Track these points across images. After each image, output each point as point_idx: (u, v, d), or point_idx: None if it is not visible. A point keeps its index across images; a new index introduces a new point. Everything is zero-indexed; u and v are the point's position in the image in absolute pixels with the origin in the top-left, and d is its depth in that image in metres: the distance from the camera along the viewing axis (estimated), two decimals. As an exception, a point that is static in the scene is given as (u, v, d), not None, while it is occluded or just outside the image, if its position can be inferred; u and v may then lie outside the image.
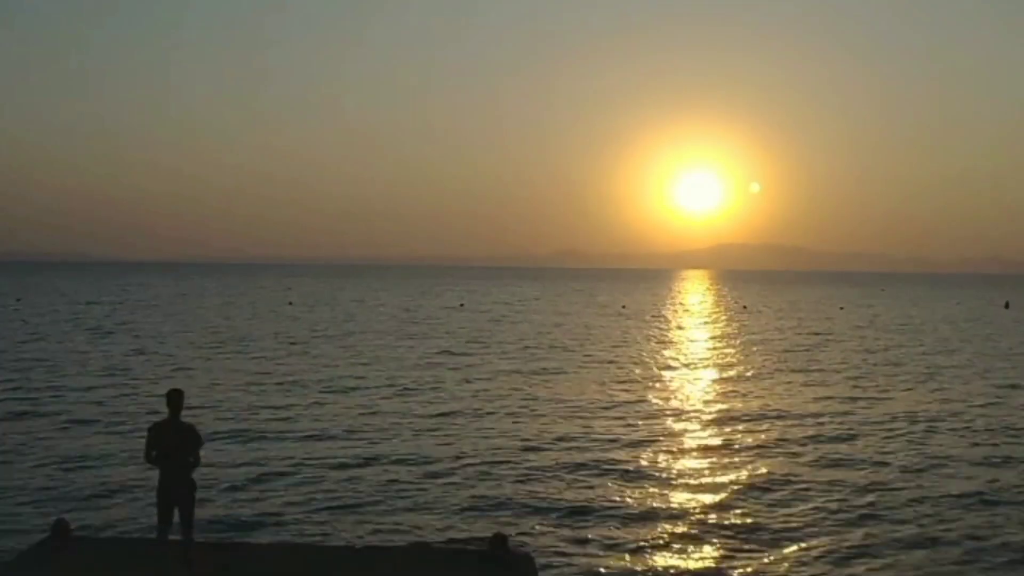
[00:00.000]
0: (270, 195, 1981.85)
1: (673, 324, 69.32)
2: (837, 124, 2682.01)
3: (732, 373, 36.78)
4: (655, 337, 55.74)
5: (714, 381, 34.53)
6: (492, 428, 23.60)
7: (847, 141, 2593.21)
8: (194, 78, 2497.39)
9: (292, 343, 46.92)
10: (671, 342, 52.36)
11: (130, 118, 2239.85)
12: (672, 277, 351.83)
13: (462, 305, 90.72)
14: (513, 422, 24.57)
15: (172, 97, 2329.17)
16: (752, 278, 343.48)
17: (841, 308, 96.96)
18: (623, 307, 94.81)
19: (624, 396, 29.79)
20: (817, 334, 58.05)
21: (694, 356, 44.08)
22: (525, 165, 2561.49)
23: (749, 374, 36.39)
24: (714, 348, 48.58)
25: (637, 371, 37.00)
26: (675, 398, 29.86)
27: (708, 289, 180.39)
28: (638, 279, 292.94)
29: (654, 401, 28.95)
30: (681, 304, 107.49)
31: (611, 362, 40.28)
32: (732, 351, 46.35)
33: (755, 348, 47.73)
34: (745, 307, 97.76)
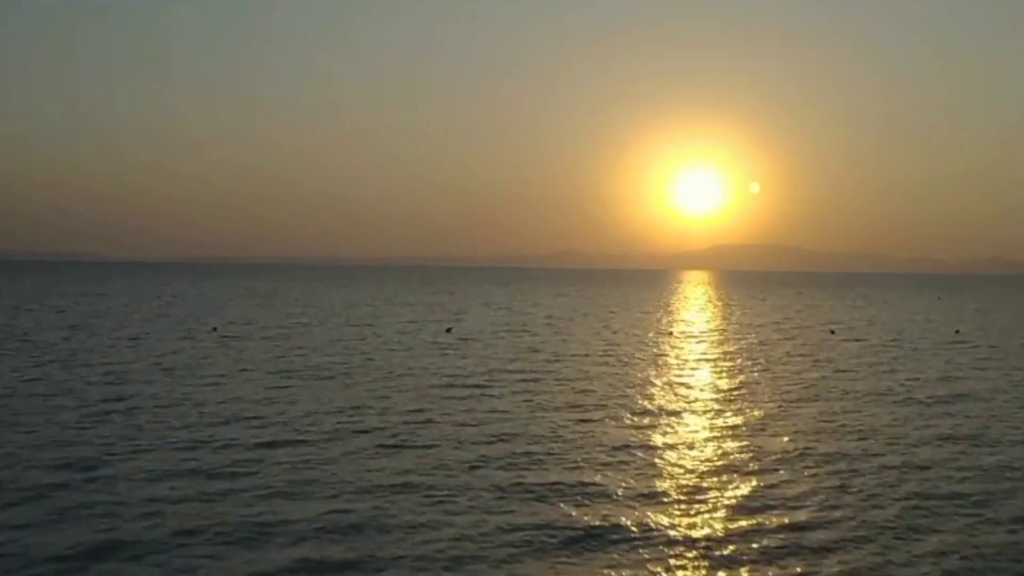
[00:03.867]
0: (270, 195, 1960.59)
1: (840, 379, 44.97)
2: (837, 124, 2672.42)
3: None
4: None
5: None
6: None
7: (847, 141, 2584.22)
8: (194, 78, 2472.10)
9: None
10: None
11: (130, 118, 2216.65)
12: (673, 278, 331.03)
13: (449, 330, 65.62)
14: None
15: (172, 97, 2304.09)
16: (756, 279, 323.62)
17: (957, 332, 68.43)
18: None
19: None
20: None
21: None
22: (525, 165, 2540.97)
23: None
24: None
25: None
26: None
27: (761, 300, 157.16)
28: (644, 281, 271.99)
29: None
30: (775, 326, 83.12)
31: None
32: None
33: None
34: (833, 331, 71.38)
